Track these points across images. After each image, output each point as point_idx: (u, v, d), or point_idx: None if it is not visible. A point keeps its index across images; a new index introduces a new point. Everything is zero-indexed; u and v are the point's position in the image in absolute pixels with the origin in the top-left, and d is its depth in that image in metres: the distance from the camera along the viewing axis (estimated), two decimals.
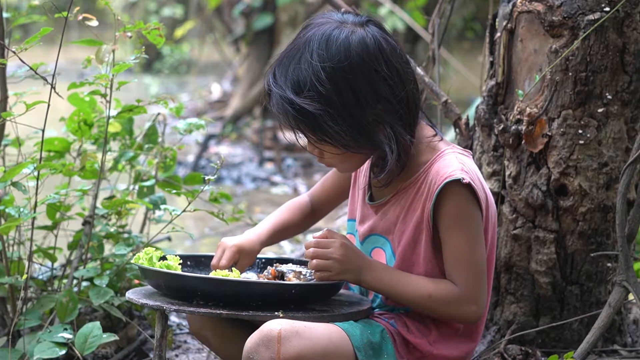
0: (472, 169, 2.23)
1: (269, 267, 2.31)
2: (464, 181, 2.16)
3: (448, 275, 2.21)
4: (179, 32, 11.97)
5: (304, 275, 2.24)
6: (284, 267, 2.28)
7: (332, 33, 2.18)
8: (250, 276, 2.35)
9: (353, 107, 2.16)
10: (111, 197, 3.06)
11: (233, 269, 2.35)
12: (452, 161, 2.21)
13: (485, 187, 2.26)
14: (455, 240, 2.20)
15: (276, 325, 2.07)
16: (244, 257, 2.37)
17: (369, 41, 2.18)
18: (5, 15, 2.85)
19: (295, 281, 2.23)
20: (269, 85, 2.21)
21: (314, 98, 2.15)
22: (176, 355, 3.01)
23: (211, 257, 2.41)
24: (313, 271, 2.22)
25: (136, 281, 2.89)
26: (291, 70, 2.18)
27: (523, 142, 2.67)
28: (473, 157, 2.38)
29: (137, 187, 3.08)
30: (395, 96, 2.18)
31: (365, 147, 2.21)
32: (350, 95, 2.16)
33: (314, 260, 2.19)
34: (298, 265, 2.30)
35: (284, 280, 2.25)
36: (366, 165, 2.39)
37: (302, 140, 2.27)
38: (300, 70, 2.17)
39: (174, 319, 3.31)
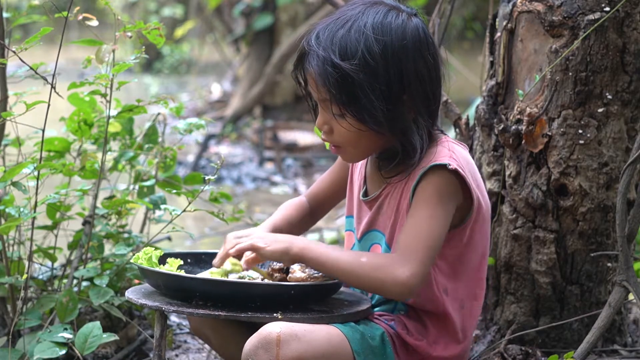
0: (462, 157, 2.21)
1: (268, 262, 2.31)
2: (450, 167, 2.15)
3: (393, 244, 2.18)
4: (179, 32, 11.98)
5: (308, 268, 2.23)
6: None
7: (388, 13, 2.19)
8: (251, 274, 2.34)
9: (395, 87, 2.16)
10: (111, 197, 3.06)
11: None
12: (442, 150, 2.21)
13: (476, 176, 2.24)
14: (416, 213, 2.15)
15: (275, 328, 2.06)
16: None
17: (421, 31, 2.21)
18: (5, 15, 2.85)
19: (299, 274, 2.22)
20: (309, 45, 2.19)
21: (361, 67, 2.14)
22: (176, 355, 3.01)
23: (212, 254, 2.41)
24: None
25: (136, 281, 2.89)
26: (340, 36, 2.16)
27: (523, 142, 2.67)
28: (472, 154, 2.37)
29: (137, 187, 3.08)
30: (432, 91, 2.20)
31: (390, 129, 2.18)
32: (396, 74, 2.16)
33: (237, 246, 2.17)
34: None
35: (288, 272, 2.24)
36: (362, 161, 2.39)
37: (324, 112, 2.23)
38: (350, 38, 2.16)
39: (174, 318, 3.31)
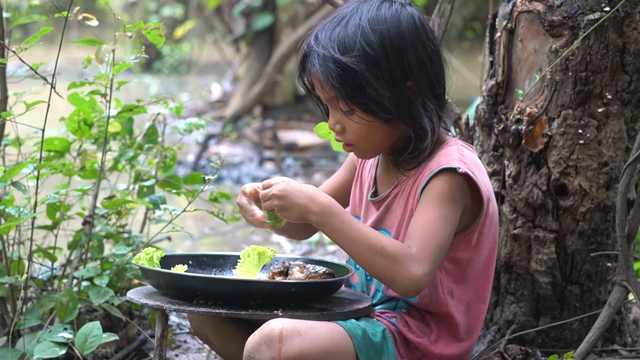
0: (472, 161, 2.22)
1: (276, 261, 2.31)
2: (460, 170, 2.15)
3: (406, 239, 2.15)
4: (179, 32, 11.99)
5: (307, 268, 2.24)
6: (290, 262, 2.29)
7: (381, 5, 2.22)
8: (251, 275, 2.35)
9: (398, 74, 2.18)
10: (111, 197, 3.06)
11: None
12: (453, 152, 2.21)
13: (485, 179, 2.24)
14: (428, 213, 2.15)
15: (277, 325, 2.07)
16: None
17: (416, 18, 2.23)
18: (5, 15, 2.85)
19: (299, 274, 2.23)
20: (309, 46, 2.21)
21: (361, 58, 2.16)
22: (176, 355, 3.01)
23: (213, 256, 2.41)
24: (316, 266, 2.23)
25: (136, 281, 2.89)
26: (337, 33, 2.19)
27: (523, 142, 2.67)
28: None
29: (137, 187, 3.08)
30: (436, 75, 2.22)
31: (399, 115, 2.19)
32: (397, 61, 2.18)
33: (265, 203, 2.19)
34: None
35: (288, 273, 2.25)
36: (372, 160, 2.39)
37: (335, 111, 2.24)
38: (347, 33, 2.19)
39: (174, 318, 3.31)
